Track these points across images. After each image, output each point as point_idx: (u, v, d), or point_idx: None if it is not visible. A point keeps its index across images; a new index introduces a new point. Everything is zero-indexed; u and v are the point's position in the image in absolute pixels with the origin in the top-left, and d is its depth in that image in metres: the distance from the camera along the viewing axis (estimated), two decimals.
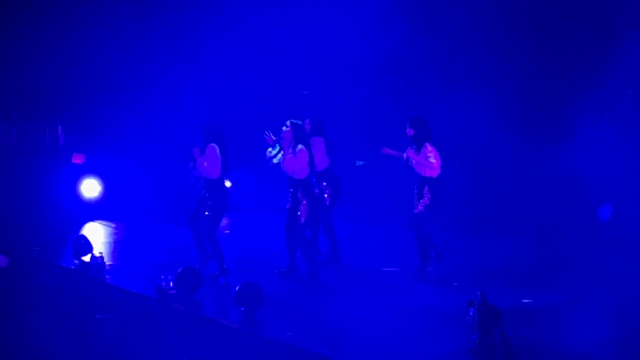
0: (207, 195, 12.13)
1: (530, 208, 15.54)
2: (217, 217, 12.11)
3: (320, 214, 12.36)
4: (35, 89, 18.41)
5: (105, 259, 12.64)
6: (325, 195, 13.01)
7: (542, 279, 12.11)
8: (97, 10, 18.54)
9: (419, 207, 12.03)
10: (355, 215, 17.01)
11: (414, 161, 12.00)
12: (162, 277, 10.97)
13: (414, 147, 12.07)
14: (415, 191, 12.14)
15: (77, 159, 18.11)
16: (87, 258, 12.70)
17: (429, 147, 11.94)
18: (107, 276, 12.29)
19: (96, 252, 12.65)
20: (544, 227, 15.16)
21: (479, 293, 8.33)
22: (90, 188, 18.08)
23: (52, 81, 18.26)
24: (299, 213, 11.88)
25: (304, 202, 11.86)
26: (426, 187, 11.99)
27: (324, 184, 13.00)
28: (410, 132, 12.04)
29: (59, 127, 19.16)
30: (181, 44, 19.07)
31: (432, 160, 11.90)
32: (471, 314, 8.36)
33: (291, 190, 11.97)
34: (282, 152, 12.00)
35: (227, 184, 12.15)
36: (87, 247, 12.87)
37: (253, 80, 18.85)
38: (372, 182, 17.48)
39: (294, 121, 12.06)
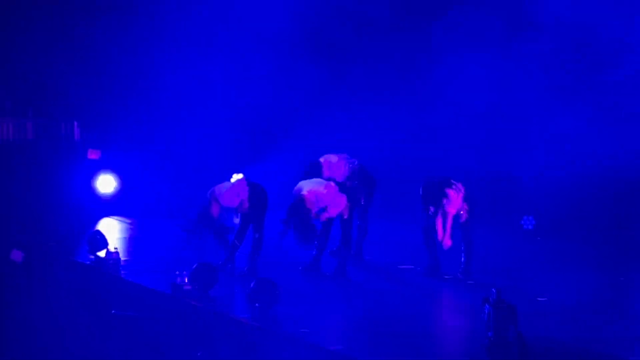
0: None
1: (545, 204, 15.49)
2: (261, 214, 12.16)
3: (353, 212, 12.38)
4: (51, 84, 18.43)
5: (121, 255, 12.64)
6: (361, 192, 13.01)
7: (557, 277, 12.08)
8: (114, 5, 18.56)
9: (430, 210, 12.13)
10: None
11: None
12: (177, 272, 10.98)
13: None
14: None
15: (93, 155, 18.12)
16: (102, 253, 12.72)
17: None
18: (122, 272, 12.31)
19: (111, 248, 12.67)
20: (559, 224, 15.12)
21: (494, 290, 8.31)
22: (106, 184, 18.09)
23: (67, 77, 18.27)
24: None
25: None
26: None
27: (356, 183, 12.99)
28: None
29: (75, 123, 19.18)
30: (199, 40, 19.07)
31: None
32: (486, 311, 8.34)
33: None
34: None
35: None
36: (103, 242, 12.89)
37: (269, 76, 18.83)
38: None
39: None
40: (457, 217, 12.03)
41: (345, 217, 12.00)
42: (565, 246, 14.29)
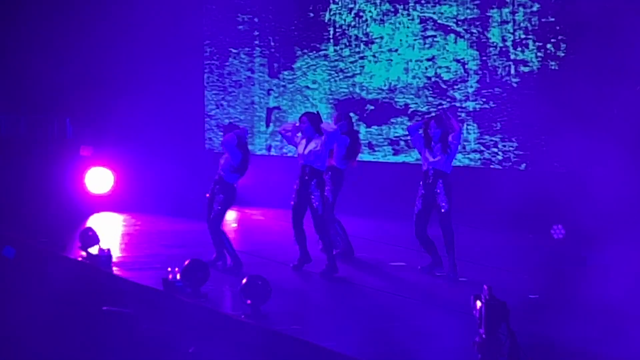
0: (217, 190, 12.16)
1: (536, 203, 15.49)
2: (223, 211, 12.20)
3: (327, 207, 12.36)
4: (44, 81, 18.41)
5: (112, 251, 12.65)
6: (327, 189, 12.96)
7: (548, 274, 12.10)
8: (107, 2, 18.55)
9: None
10: (361, 211, 16.99)
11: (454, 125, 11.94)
12: (169, 269, 10.98)
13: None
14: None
15: (85, 151, 18.12)
16: (94, 250, 12.72)
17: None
18: (114, 268, 12.32)
19: (103, 245, 12.67)
20: (551, 222, 15.12)
21: (485, 288, 8.32)
22: (98, 180, 18.08)
23: (60, 73, 18.26)
24: (315, 205, 11.91)
25: (316, 194, 11.87)
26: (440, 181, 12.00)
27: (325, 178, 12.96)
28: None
29: (67, 119, 19.18)
30: (191, 37, 19.09)
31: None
32: (478, 308, 8.35)
33: (306, 178, 11.94)
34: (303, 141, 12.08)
35: None
36: (94, 239, 12.88)
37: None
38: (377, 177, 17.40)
39: (310, 112, 12.23)
40: (438, 209, 11.92)
41: (319, 212, 11.96)
42: (558, 243, 14.30)
